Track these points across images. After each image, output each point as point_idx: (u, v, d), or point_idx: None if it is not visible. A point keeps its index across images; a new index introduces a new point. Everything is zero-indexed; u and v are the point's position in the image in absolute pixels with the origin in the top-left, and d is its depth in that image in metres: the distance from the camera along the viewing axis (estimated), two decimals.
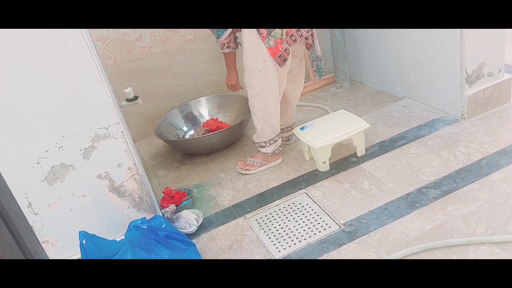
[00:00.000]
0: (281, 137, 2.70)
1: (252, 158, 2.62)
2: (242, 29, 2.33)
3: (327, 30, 3.40)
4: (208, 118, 3.20)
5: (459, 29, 2.38)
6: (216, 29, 2.45)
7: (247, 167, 2.61)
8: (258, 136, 2.54)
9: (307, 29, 2.31)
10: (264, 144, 2.53)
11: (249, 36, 2.29)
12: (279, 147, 2.58)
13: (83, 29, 1.70)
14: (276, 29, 2.23)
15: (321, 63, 2.54)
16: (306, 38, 2.39)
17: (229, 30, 2.42)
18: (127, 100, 2.42)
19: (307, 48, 2.50)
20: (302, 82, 2.63)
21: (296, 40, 2.29)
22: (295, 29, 2.27)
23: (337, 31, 3.21)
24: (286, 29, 2.25)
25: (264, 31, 2.23)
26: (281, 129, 2.71)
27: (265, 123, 2.46)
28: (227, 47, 2.50)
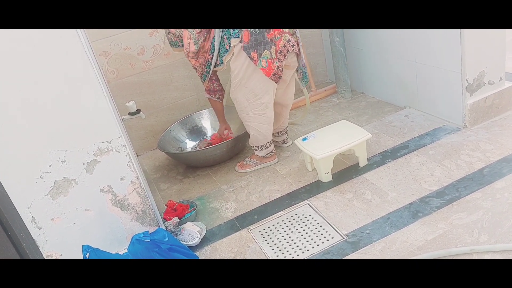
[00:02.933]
0: (277, 141, 2.92)
1: (249, 158, 2.81)
2: (234, 50, 2.43)
3: (328, 41, 3.42)
4: (210, 130, 3.22)
5: (459, 38, 2.39)
6: (203, 72, 2.60)
7: (244, 167, 2.78)
8: (251, 141, 2.72)
9: (292, 44, 2.41)
10: (257, 148, 2.72)
11: (237, 57, 2.42)
12: (270, 152, 2.73)
13: (85, 44, 1.72)
14: (265, 51, 2.37)
15: (305, 69, 2.67)
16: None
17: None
18: (130, 113, 2.44)
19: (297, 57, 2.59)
20: (293, 89, 2.77)
21: (285, 56, 2.41)
22: (282, 46, 2.38)
23: (338, 42, 3.23)
24: (274, 48, 2.38)
25: (254, 55, 2.38)
26: (275, 133, 2.88)
27: (256, 132, 2.63)
28: (217, 97, 2.75)
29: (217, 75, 2.69)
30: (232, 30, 2.38)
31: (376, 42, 3.07)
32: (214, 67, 2.56)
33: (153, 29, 3.10)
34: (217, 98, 2.75)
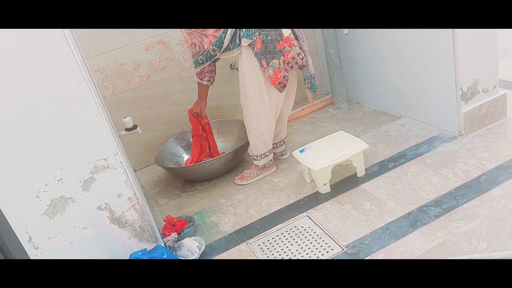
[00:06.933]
0: (275, 152, 2.92)
1: (248, 170, 2.82)
2: (242, 54, 2.46)
3: (323, 53, 3.44)
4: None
5: (452, 47, 2.41)
6: (197, 57, 2.50)
7: (244, 179, 2.78)
8: (251, 150, 2.73)
9: (302, 57, 2.45)
10: (256, 158, 2.71)
11: (248, 62, 2.45)
12: (270, 160, 2.75)
13: (79, 62, 1.73)
14: (274, 60, 2.41)
15: (314, 81, 2.68)
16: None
17: (208, 61, 2.52)
18: (126, 129, 2.45)
19: (300, 69, 2.60)
20: (293, 96, 2.79)
21: (293, 67, 2.45)
22: (291, 57, 2.42)
23: (332, 53, 3.25)
24: (283, 58, 2.41)
25: (264, 63, 2.41)
26: (273, 144, 2.87)
27: (257, 139, 2.65)
28: (207, 80, 2.61)
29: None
30: (245, 29, 2.37)
31: (370, 53, 3.09)
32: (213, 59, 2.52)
33: (149, 44, 3.12)
34: (207, 81, 2.61)
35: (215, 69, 2.62)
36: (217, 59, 2.59)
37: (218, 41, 2.43)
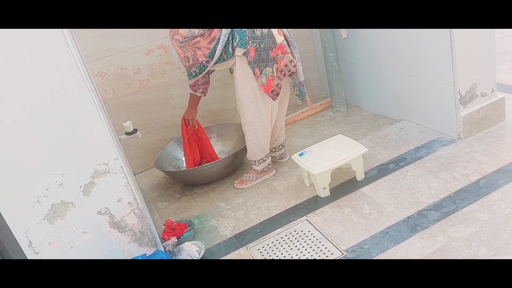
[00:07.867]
0: (274, 156, 2.94)
1: (247, 174, 2.82)
2: (236, 63, 2.47)
3: (322, 57, 3.45)
4: None
5: (450, 51, 2.42)
6: (191, 70, 2.53)
7: (243, 183, 2.78)
8: (249, 156, 2.74)
9: (294, 64, 2.46)
10: (254, 163, 2.73)
11: (242, 71, 2.46)
12: (268, 165, 2.77)
13: (80, 66, 1.73)
14: (267, 68, 2.41)
15: (303, 88, 2.67)
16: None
17: (204, 73, 2.54)
18: (127, 133, 2.45)
19: (289, 76, 2.56)
20: (287, 103, 2.80)
21: (286, 75, 2.45)
22: (283, 65, 2.42)
23: (331, 57, 3.26)
24: (276, 66, 2.42)
25: (257, 71, 2.41)
26: (272, 148, 2.90)
27: (254, 145, 2.67)
28: (201, 92, 2.66)
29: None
30: (238, 39, 2.38)
31: (369, 56, 3.10)
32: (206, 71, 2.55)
33: (149, 49, 3.13)
34: (201, 92, 2.66)
35: (208, 81, 2.65)
36: (212, 71, 2.61)
37: (211, 52, 2.44)
